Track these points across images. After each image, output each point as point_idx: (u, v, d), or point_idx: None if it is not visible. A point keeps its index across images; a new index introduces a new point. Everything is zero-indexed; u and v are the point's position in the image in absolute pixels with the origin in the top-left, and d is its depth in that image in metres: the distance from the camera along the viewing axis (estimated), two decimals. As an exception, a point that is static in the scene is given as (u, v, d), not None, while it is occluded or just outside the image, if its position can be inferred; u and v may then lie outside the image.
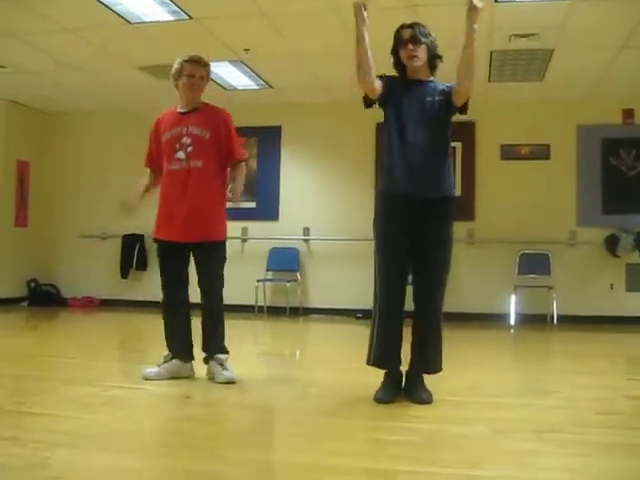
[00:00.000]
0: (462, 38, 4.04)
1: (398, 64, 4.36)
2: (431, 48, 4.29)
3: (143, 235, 10.92)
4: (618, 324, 9.15)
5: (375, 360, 4.19)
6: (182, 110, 4.85)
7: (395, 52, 4.35)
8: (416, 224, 4.07)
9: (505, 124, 9.98)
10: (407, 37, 4.22)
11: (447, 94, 4.19)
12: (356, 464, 2.80)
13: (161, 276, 4.79)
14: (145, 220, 11.05)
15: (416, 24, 4.29)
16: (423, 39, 4.27)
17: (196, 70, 4.87)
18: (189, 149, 4.67)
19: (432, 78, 4.35)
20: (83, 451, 2.89)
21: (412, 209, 4.05)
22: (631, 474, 2.69)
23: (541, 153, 9.98)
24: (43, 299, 10.99)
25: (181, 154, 4.67)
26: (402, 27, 4.30)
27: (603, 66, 8.39)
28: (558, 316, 9.36)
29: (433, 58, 4.34)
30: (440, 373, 4.18)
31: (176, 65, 4.83)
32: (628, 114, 9.71)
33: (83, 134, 11.43)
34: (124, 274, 11.00)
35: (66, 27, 7.36)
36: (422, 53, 4.32)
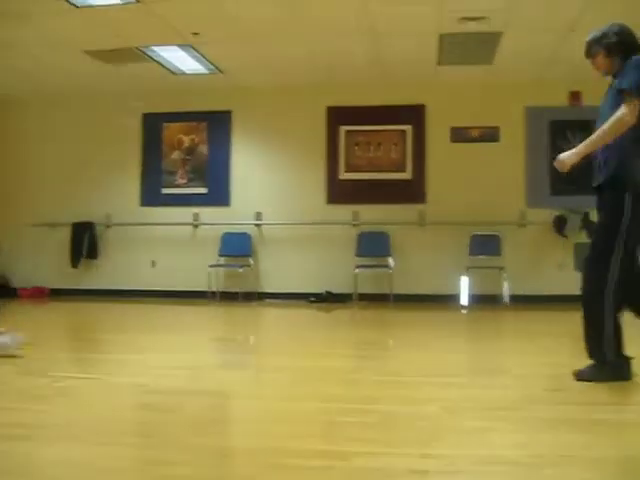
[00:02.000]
0: None
1: None
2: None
3: (93, 223, 10.81)
4: (567, 302, 9.29)
5: None
6: None
7: None
8: None
9: (455, 107, 10.06)
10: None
11: None
12: (311, 446, 2.82)
13: None
14: (95, 207, 10.99)
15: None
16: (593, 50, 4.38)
17: None
18: None
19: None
20: (37, 443, 2.86)
21: None
22: (577, 447, 2.76)
23: (490, 135, 10.08)
24: (-7, 289, 10.81)
25: None
26: None
27: (550, 49, 8.49)
28: (509, 296, 9.50)
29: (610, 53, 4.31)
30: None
31: None
32: (575, 96, 9.85)
33: (29, 120, 11.23)
34: (75, 263, 10.87)
35: (10, 11, 7.22)
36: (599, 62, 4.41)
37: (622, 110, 3.94)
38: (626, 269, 4.10)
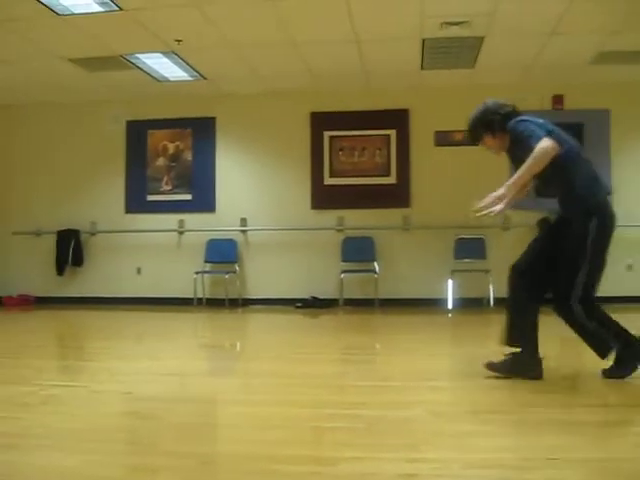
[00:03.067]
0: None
1: None
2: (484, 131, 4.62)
3: (79, 230, 10.77)
4: (552, 304, 9.34)
5: None
6: None
7: None
8: None
9: (438, 111, 10.09)
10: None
11: None
12: (299, 452, 2.82)
13: None
14: (80, 215, 10.95)
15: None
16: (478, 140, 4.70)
17: None
18: None
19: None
20: (22, 451, 2.84)
21: None
22: (564, 449, 2.77)
23: (474, 139, 10.11)
24: (-24, 298, 10.74)
25: None
26: None
27: (533, 53, 8.55)
28: (495, 299, 9.52)
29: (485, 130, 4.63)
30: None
31: None
32: (557, 100, 9.91)
33: (14, 128, 11.18)
34: (60, 270, 10.82)
35: (-9, 19, 7.20)
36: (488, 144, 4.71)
37: (541, 145, 4.03)
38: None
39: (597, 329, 4.20)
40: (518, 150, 4.27)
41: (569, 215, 4.35)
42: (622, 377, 4.14)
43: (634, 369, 4.14)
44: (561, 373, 4.64)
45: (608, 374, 4.19)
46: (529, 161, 4.07)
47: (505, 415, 3.37)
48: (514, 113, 4.46)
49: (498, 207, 4.33)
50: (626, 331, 4.17)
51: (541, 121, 4.31)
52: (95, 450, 2.88)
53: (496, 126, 4.48)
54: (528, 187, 4.48)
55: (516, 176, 4.21)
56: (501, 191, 4.28)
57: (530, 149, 4.04)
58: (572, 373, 4.70)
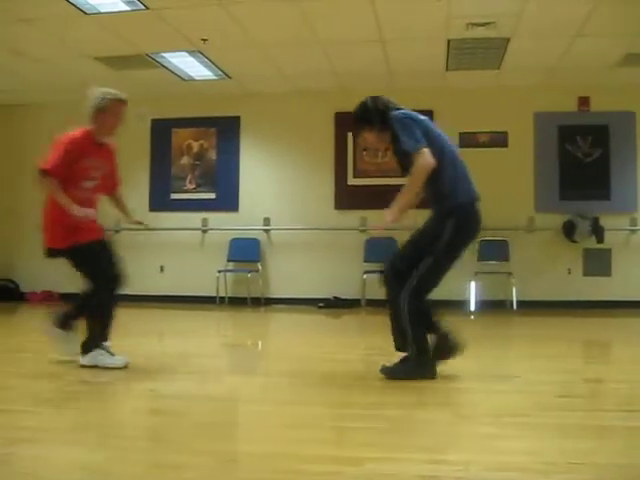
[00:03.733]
0: None
1: None
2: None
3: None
4: (576, 308, 9.30)
5: None
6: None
7: None
8: None
9: (463, 112, 10.05)
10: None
11: None
12: (323, 452, 2.82)
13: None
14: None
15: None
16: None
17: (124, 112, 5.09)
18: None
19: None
20: (46, 446, 2.87)
21: None
22: (587, 454, 2.75)
23: (499, 141, 10.08)
24: (1, 294, 10.85)
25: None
26: None
27: (558, 54, 8.49)
28: (517, 301, 9.48)
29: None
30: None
31: (105, 100, 5.02)
32: (583, 102, 9.85)
33: (40, 125, 11.24)
34: (84, 267, 10.86)
35: (21, 18, 7.26)
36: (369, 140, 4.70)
37: (418, 161, 4.19)
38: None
39: (406, 327, 4.36)
40: (398, 147, 4.40)
41: (433, 212, 4.53)
42: (398, 378, 4.29)
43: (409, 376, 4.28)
44: (584, 377, 4.62)
45: (387, 371, 4.37)
46: (410, 181, 4.31)
47: (527, 418, 3.35)
48: (394, 108, 4.52)
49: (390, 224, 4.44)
50: (427, 350, 4.39)
51: (421, 117, 4.49)
52: (118, 446, 2.90)
53: (375, 122, 4.53)
54: (419, 196, 4.58)
55: (400, 200, 4.40)
56: (389, 218, 4.42)
57: (409, 153, 4.23)
58: (595, 377, 4.66)
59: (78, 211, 4.75)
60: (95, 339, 4.73)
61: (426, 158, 4.19)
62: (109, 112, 4.98)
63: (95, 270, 4.89)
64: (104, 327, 4.81)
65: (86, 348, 4.71)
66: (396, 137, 4.34)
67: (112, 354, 4.75)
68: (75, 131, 4.93)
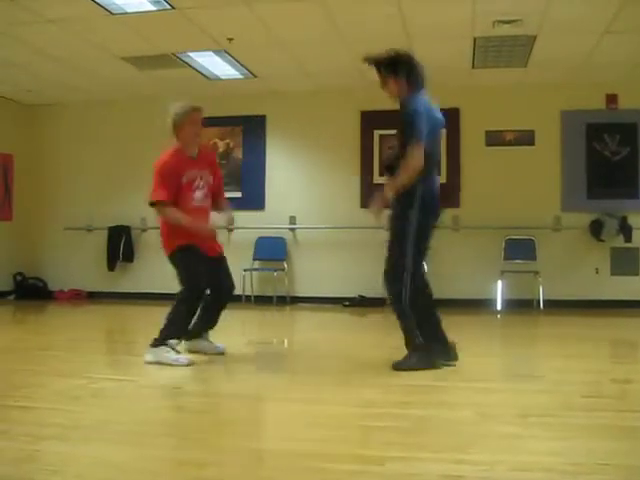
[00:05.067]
0: None
1: None
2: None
3: (129, 226, 10.90)
4: (603, 308, 9.22)
5: None
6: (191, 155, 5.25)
7: None
8: None
9: (489, 110, 10.00)
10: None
11: None
12: (346, 451, 2.82)
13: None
14: (131, 211, 11.06)
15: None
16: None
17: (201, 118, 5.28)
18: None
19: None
20: (73, 443, 2.89)
21: None
22: (615, 455, 2.72)
23: (526, 139, 10.01)
24: (30, 292, 10.96)
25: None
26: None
27: (586, 52, 8.41)
28: (544, 301, 9.42)
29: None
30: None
31: (178, 116, 5.18)
32: (611, 99, 9.75)
33: (66, 125, 11.37)
34: (111, 266, 10.97)
35: (48, 18, 7.32)
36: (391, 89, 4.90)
37: (414, 157, 4.49)
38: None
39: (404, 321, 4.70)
40: (404, 130, 4.65)
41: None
42: (402, 369, 4.55)
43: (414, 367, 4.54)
44: (610, 377, 4.58)
45: (395, 364, 4.64)
46: (402, 175, 4.59)
47: (554, 418, 3.33)
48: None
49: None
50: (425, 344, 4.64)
51: (427, 106, 4.75)
52: (143, 443, 2.92)
53: (402, 74, 4.76)
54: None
55: (392, 184, 4.72)
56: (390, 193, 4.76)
57: (409, 140, 4.52)
58: (623, 378, 4.61)
59: (203, 228, 5.34)
60: (168, 335, 4.95)
61: (419, 159, 4.51)
62: (186, 125, 5.17)
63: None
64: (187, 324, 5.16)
65: (154, 344, 4.92)
66: (406, 123, 4.63)
67: (177, 352, 4.94)
68: (164, 154, 5.19)
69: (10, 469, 2.51)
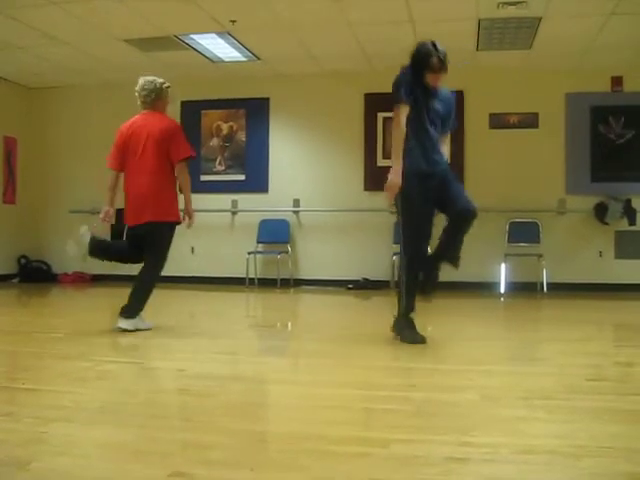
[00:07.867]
0: None
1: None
2: None
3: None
4: (607, 291, 9.23)
5: None
6: None
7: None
8: None
9: (493, 93, 9.98)
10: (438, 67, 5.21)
11: None
12: (349, 433, 2.83)
13: None
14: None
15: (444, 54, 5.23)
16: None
17: None
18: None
19: None
20: (78, 425, 2.90)
21: None
22: (618, 438, 2.73)
23: (530, 121, 9.99)
24: (34, 275, 10.99)
25: None
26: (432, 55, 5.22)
27: (591, 34, 8.37)
28: (548, 284, 9.43)
29: None
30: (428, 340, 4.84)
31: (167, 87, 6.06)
32: (617, 82, 9.71)
33: (70, 108, 11.35)
34: (115, 249, 10.95)
35: (52, 1, 7.29)
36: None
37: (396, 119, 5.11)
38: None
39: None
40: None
41: None
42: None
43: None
44: (615, 360, 4.58)
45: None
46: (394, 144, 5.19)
47: (557, 401, 3.33)
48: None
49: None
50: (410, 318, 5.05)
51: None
52: (149, 425, 2.93)
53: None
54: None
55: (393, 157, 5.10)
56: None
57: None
58: (626, 361, 4.62)
59: None
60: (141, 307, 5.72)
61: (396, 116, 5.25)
62: (169, 98, 6.23)
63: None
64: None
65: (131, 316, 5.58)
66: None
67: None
68: (169, 118, 6.13)
69: (17, 451, 2.52)
